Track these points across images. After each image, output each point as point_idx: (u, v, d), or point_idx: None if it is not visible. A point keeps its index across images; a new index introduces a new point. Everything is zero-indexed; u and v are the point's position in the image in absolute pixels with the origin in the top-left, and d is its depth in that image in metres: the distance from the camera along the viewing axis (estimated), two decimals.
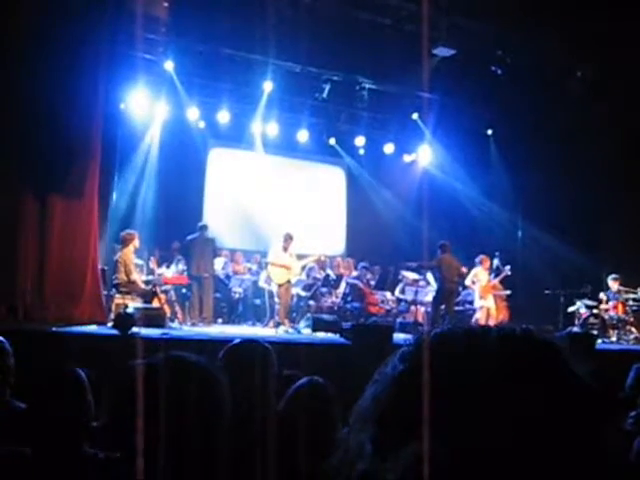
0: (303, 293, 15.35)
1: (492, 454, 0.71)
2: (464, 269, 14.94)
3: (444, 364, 0.78)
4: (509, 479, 0.71)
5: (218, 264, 15.34)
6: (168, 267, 14.85)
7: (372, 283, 16.64)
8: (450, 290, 14.49)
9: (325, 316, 13.80)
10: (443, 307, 14.53)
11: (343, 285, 16.19)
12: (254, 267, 16.45)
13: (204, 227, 14.16)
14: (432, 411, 0.74)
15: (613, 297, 14.78)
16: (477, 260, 15.02)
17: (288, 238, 14.00)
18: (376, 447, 0.78)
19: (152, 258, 14.16)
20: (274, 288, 14.10)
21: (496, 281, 15.18)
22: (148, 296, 12.45)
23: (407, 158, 19.54)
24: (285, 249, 13.92)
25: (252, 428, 2.49)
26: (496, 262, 15.36)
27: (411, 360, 0.82)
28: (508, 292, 15.46)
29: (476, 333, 0.83)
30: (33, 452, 2.87)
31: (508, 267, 15.19)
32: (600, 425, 0.77)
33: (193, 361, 1.71)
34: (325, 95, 17.03)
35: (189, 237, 13.96)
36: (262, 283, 15.23)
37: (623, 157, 15.19)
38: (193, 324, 13.12)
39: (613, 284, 14.73)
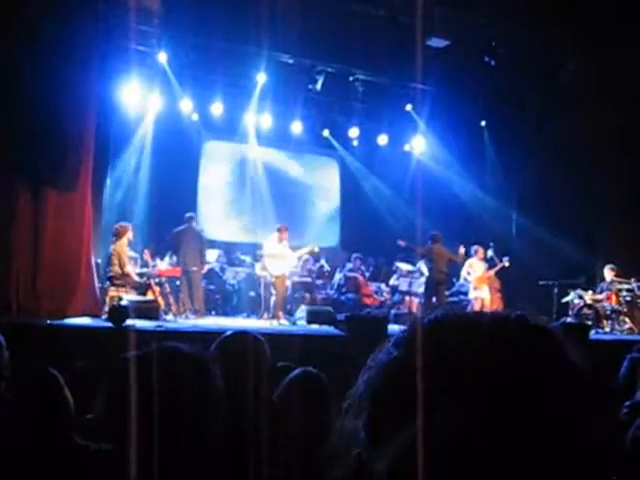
0: (307, 279, 15.38)
1: (487, 439, 0.71)
2: (460, 256, 14.92)
3: (438, 349, 0.78)
4: (504, 465, 0.71)
5: (212, 256, 15.32)
6: (162, 259, 14.82)
7: (366, 274, 16.68)
8: (439, 280, 14.48)
9: (320, 308, 13.83)
10: (435, 299, 14.52)
11: (337, 276, 16.22)
12: (248, 259, 16.43)
13: (191, 218, 13.92)
14: (426, 397, 0.74)
15: (607, 288, 14.81)
16: (472, 251, 15.06)
17: (283, 229, 13.96)
18: (370, 433, 0.78)
19: (146, 250, 14.10)
20: (270, 279, 14.06)
21: (491, 272, 15.22)
22: (142, 288, 12.44)
23: (401, 149, 19.50)
24: (280, 240, 13.88)
25: (246, 419, 2.50)
26: (490, 253, 15.39)
27: (405, 346, 0.82)
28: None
29: (470, 318, 0.83)
30: (24, 444, 2.87)
31: (506, 258, 15.23)
32: (592, 408, 0.77)
33: (186, 351, 1.71)
34: (319, 87, 16.99)
35: (176, 229, 13.78)
36: (259, 271, 15.13)
37: (617, 148, 15.20)
38: (187, 316, 13.09)
39: (609, 273, 14.74)
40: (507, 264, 15.17)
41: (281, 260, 13.74)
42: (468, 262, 15.09)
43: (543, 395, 0.74)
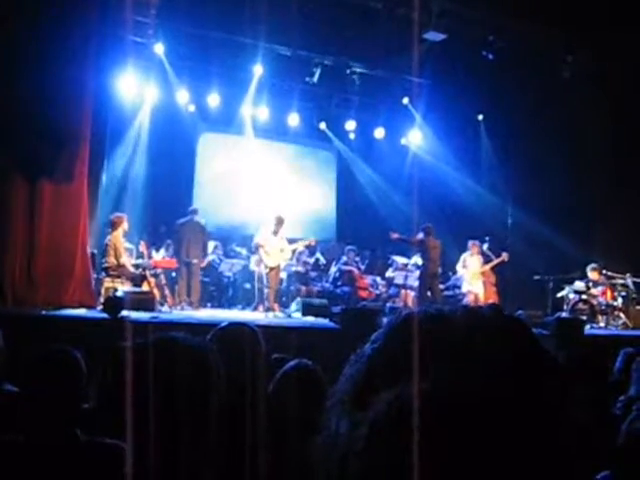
0: (301, 268, 15.38)
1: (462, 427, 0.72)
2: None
3: (414, 341, 0.79)
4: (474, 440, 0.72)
5: (209, 248, 15.30)
6: (157, 251, 14.81)
7: (362, 267, 16.68)
8: (433, 273, 14.44)
9: (315, 300, 13.83)
10: (429, 292, 14.49)
11: (333, 269, 16.23)
12: (244, 252, 16.43)
13: (194, 211, 13.94)
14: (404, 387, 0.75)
15: (601, 284, 14.82)
16: (468, 245, 15.08)
17: (279, 222, 13.91)
18: (351, 430, 0.79)
19: (142, 242, 14.08)
20: (264, 271, 14.03)
21: (487, 267, 15.21)
22: (137, 280, 12.41)
23: (397, 142, 19.51)
24: (276, 233, 13.81)
25: (242, 410, 2.50)
26: (485, 247, 15.39)
27: (382, 340, 0.84)
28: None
29: (446, 311, 0.85)
30: (25, 437, 2.85)
31: (505, 254, 15.21)
32: (562, 390, 0.79)
33: (185, 341, 1.70)
34: (316, 79, 16.98)
35: (179, 221, 13.81)
36: (253, 266, 15.20)
37: (613, 143, 15.22)
38: (182, 308, 13.09)
39: (592, 274, 14.75)
40: (506, 258, 15.16)
41: (276, 252, 13.70)
42: (463, 256, 15.10)
43: (514, 374, 0.76)
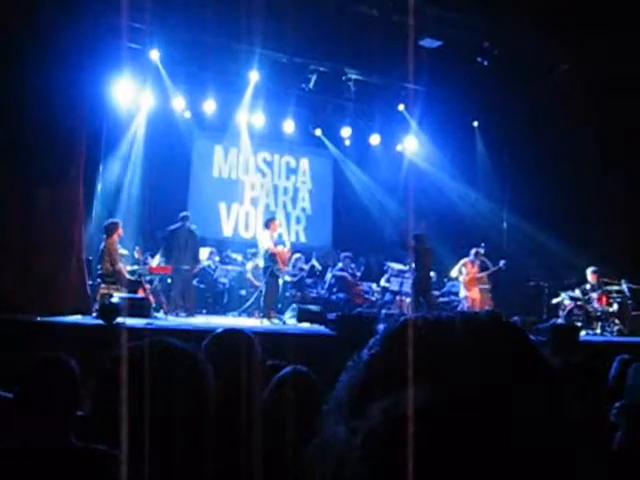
0: (289, 278, 15.36)
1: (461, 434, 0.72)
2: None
3: (413, 347, 0.79)
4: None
5: (204, 254, 15.28)
6: (153, 257, 14.78)
7: (357, 274, 16.67)
8: (425, 280, 14.40)
9: (310, 307, 13.80)
10: (423, 299, 14.45)
11: (328, 275, 16.23)
12: (239, 258, 16.42)
13: (185, 217, 13.78)
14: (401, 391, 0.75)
15: (590, 290, 14.83)
16: (472, 252, 15.09)
17: (270, 221, 13.86)
18: (349, 434, 0.78)
19: (137, 248, 14.08)
20: (258, 279, 13.99)
21: (484, 274, 15.23)
22: (133, 286, 12.40)
23: (393, 149, 19.53)
24: (272, 234, 13.69)
25: (237, 417, 2.49)
26: (481, 253, 15.41)
27: (380, 346, 0.83)
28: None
29: (444, 317, 0.85)
30: (20, 443, 2.84)
31: (503, 262, 15.22)
32: (559, 393, 0.79)
33: (178, 346, 1.70)
34: (311, 86, 17.02)
35: (170, 227, 13.70)
36: (249, 275, 15.19)
37: (609, 149, 15.24)
38: (177, 314, 13.04)
39: (591, 277, 14.77)
40: (503, 267, 15.18)
41: (287, 258, 13.65)
42: (462, 262, 15.11)
43: (511, 381, 0.76)
